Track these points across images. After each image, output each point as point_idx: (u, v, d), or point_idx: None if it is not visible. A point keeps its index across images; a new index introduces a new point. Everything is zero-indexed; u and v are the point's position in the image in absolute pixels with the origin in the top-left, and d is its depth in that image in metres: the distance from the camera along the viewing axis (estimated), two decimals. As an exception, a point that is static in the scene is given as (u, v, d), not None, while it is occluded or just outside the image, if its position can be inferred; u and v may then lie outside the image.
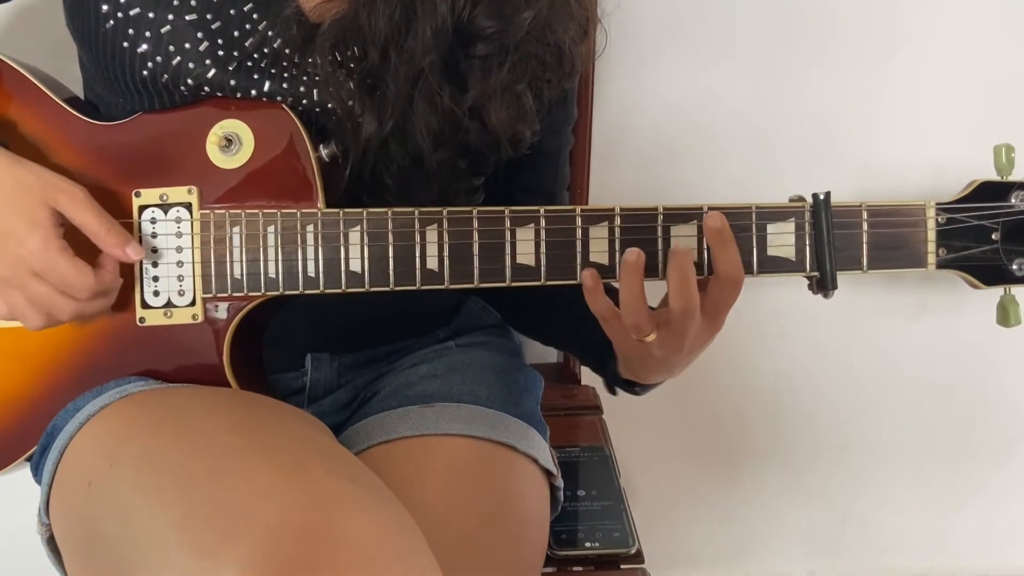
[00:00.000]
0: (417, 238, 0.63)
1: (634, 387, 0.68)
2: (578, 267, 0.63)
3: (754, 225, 0.62)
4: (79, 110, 0.67)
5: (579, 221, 0.63)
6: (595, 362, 0.71)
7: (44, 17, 0.77)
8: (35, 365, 0.66)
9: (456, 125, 0.64)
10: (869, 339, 1.13)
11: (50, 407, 0.65)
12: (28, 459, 0.68)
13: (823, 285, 0.62)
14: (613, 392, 0.71)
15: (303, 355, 0.72)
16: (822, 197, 0.61)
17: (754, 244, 0.62)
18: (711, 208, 0.62)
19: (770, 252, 0.62)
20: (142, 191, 0.65)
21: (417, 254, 0.63)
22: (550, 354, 1.07)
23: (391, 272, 0.63)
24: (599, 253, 0.63)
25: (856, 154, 1.05)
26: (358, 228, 0.63)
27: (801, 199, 0.64)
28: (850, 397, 1.15)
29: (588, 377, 1.04)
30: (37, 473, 0.66)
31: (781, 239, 0.62)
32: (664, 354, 0.60)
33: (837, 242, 0.61)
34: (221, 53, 0.63)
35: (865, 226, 0.62)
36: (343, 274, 0.63)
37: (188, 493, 0.49)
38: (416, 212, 0.63)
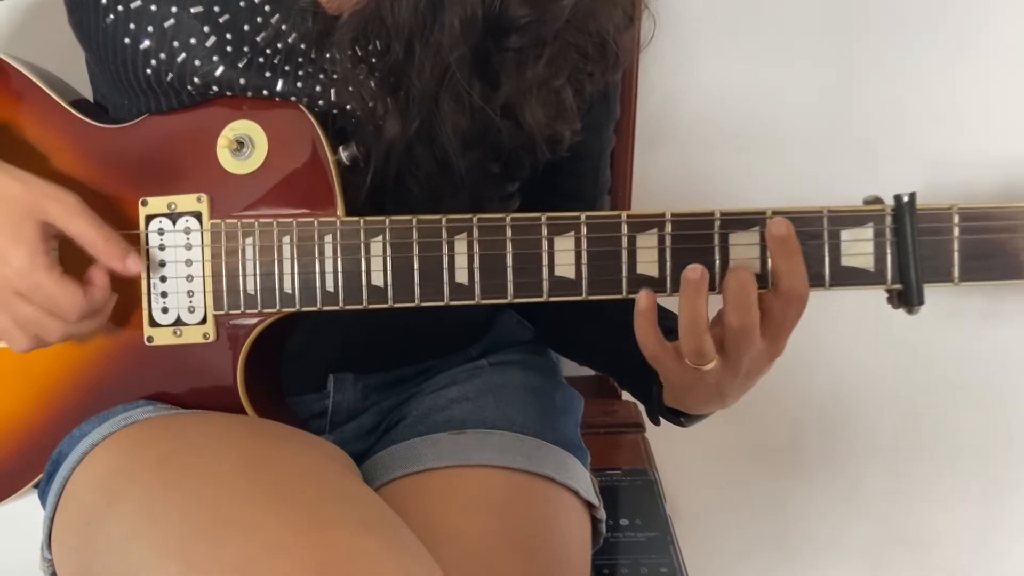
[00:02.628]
0: (445, 248, 0.57)
1: (679, 417, 0.62)
2: (624, 280, 0.56)
3: (826, 232, 0.55)
4: (85, 113, 0.63)
5: (624, 228, 0.56)
6: (637, 387, 0.65)
7: (54, 15, 0.72)
8: (40, 386, 0.62)
9: (487, 125, 0.58)
10: (936, 348, 1.05)
11: (56, 431, 0.61)
12: (36, 486, 0.64)
13: (907, 300, 0.54)
14: (656, 422, 0.64)
15: (325, 375, 0.67)
16: (906, 199, 0.54)
17: (826, 253, 0.55)
18: (776, 213, 0.55)
19: (844, 262, 0.55)
20: (149, 199, 0.60)
21: (445, 266, 0.57)
22: (588, 366, 1.01)
23: (416, 286, 0.58)
24: (647, 264, 0.56)
25: (926, 148, 0.96)
26: (380, 238, 0.58)
27: (877, 200, 0.57)
28: (910, 410, 1.07)
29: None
30: (44, 501, 0.62)
31: (857, 247, 0.55)
32: (717, 381, 0.54)
33: (923, 250, 0.54)
34: (230, 49, 0.58)
35: (956, 232, 0.54)
36: (364, 289, 0.58)
37: (188, 546, 0.44)
38: (443, 220, 0.57)
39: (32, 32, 0.82)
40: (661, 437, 0.93)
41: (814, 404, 1.07)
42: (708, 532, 1.04)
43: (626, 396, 0.99)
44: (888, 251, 0.54)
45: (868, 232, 0.54)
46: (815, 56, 0.94)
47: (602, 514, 0.67)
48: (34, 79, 0.63)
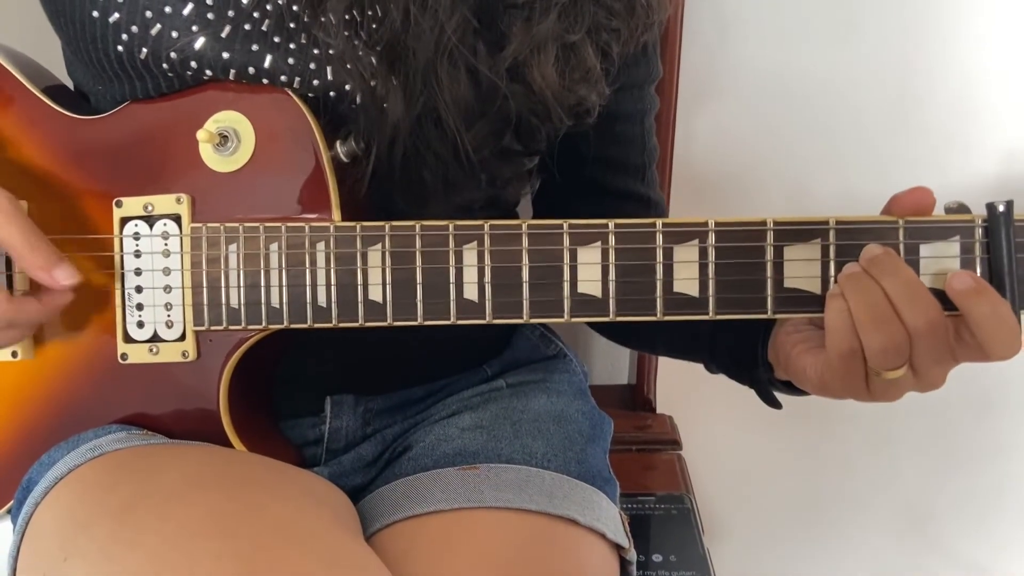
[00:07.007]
0: (452, 259, 0.50)
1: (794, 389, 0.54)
2: (658, 299, 0.48)
3: (902, 246, 0.46)
4: (59, 101, 0.56)
5: (660, 239, 0.48)
6: (747, 358, 0.56)
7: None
8: (10, 402, 0.57)
9: (492, 93, 0.52)
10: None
11: (28, 452, 0.56)
12: (9, 511, 0.59)
13: (1001, 329, 0.45)
14: (777, 403, 0.56)
15: (322, 398, 0.60)
16: (1001, 208, 0.45)
17: (901, 272, 0.46)
18: (840, 222, 0.46)
19: (924, 284, 0.46)
20: (124, 200, 0.54)
21: (452, 280, 0.50)
22: (619, 374, 0.93)
23: (419, 303, 0.50)
24: (686, 281, 0.48)
25: (1000, 140, 0.85)
26: (379, 247, 0.50)
27: (962, 208, 0.48)
28: (980, 436, 0.97)
29: (665, 405, 0.89)
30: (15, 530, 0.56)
31: (940, 265, 0.46)
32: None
33: (1022, 271, 0.45)
34: (211, 16, 0.51)
35: (1064, 248, 0.45)
36: (360, 304, 0.51)
37: None
38: (451, 226, 0.50)
39: (6, 10, 0.75)
40: (697, 455, 0.85)
41: (870, 423, 0.98)
42: (747, 565, 0.96)
43: (662, 409, 0.91)
44: (978, 270, 0.46)
45: (954, 247, 0.46)
46: (882, 24, 0.83)
47: (632, 555, 0.60)
48: (2, 62, 0.57)
